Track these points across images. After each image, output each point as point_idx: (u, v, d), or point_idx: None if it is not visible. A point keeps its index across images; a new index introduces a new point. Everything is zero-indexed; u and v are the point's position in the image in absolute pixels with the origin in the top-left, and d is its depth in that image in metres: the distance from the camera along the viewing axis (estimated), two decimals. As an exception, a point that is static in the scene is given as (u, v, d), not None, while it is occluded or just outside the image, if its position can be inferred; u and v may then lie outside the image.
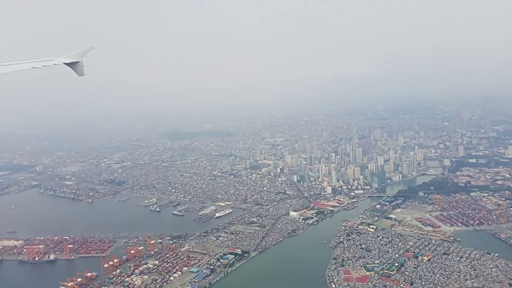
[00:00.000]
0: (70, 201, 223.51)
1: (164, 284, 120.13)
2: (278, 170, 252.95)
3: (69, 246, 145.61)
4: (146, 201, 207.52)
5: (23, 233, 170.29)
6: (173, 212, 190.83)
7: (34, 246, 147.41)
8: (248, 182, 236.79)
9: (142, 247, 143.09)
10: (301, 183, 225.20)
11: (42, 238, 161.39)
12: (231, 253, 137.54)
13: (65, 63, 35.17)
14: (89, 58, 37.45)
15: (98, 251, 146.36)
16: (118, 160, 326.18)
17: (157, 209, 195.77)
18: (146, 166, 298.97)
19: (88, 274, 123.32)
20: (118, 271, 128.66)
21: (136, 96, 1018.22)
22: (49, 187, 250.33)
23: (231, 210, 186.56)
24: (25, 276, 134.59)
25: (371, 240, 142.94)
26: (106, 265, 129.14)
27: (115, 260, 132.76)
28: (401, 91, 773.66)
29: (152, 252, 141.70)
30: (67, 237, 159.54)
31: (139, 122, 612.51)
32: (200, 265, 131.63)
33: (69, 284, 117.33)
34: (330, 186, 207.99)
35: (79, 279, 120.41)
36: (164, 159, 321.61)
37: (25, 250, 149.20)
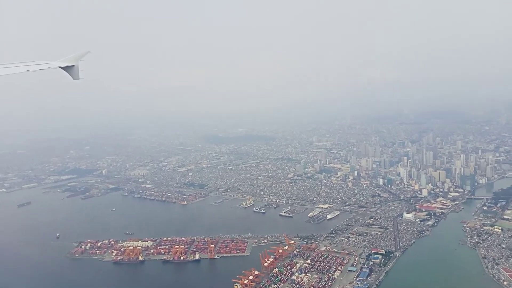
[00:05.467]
0: (162, 203, 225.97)
1: (333, 282, 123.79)
2: (355, 174, 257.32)
3: (211, 246, 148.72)
4: (244, 203, 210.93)
5: (141, 234, 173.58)
6: (280, 214, 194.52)
7: (177, 246, 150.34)
8: (331, 185, 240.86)
9: (287, 247, 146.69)
10: (389, 186, 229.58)
11: (169, 238, 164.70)
12: (375, 253, 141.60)
13: (60, 67, 35.11)
14: (88, 63, 38.01)
15: (238, 251, 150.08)
16: (179, 164, 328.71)
17: (262, 211, 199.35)
18: (212, 170, 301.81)
19: (256, 272, 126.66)
20: (276, 269, 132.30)
21: (140, 103, 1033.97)
22: (133, 190, 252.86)
23: (338, 212, 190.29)
24: (185, 275, 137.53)
25: (505, 240, 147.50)
26: (265, 264, 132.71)
27: (270, 260, 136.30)
28: (418, 96, 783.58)
29: (295, 252, 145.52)
30: (194, 238, 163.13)
31: (164, 127, 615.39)
32: (352, 264, 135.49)
33: (245, 282, 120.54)
34: (425, 189, 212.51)
35: (250, 277, 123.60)
36: (225, 163, 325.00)
37: (162, 251, 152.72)
